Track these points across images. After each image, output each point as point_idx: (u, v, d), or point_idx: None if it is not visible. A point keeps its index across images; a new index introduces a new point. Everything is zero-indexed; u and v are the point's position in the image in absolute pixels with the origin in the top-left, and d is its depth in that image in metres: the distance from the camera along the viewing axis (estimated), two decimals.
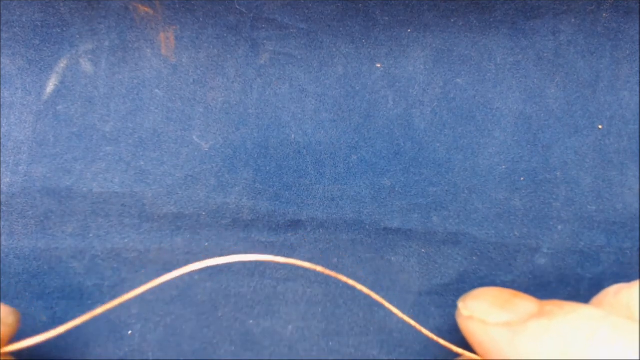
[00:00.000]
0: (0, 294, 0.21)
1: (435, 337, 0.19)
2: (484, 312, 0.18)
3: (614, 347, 0.16)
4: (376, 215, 0.23)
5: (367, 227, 0.23)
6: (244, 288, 0.22)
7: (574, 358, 0.16)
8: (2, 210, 0.22)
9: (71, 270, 0.22)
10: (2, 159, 0.22)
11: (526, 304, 0.18)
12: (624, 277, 0.23)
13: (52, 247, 0.22)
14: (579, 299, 0.22)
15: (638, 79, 0.23)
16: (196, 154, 0.23)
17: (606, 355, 0.16)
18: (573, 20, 0.24)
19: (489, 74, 0.24)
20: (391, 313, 0.22)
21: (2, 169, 0.22)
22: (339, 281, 0.22)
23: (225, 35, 0.23)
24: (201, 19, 0.23)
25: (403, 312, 0.22)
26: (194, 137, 0.23)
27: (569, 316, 0.17)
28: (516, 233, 0.23)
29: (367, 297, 0.22)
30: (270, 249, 0.22)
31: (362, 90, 0.23)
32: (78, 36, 0.23)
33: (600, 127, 0.23)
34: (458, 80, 0.23)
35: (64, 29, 0.23)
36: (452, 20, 0.23)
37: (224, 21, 0.23)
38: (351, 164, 0.23)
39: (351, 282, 0.19)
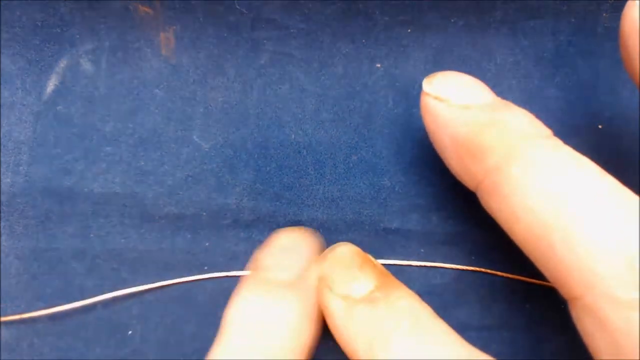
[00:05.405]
0: (0, 294, 0.21)
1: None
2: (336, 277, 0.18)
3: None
4: (376, 216, 0.23)
5: (367, 227, 0.23)
6: None
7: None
8: (2, 211, 0.22)
9: (71, 270, 0.22)
10: (2, 159, 0.22)
11: (368, 278, 0.18)
12: None
13: (52, 247, 0.22)
14: None
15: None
16: (196, 154, 0.23)
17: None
18: (573, 20, 0.24)
19: (489, 74, 0.24)
20: None
21: (2, 169, 0.22)
22: None
23: (225, 35, 0.23)
24: (201, 19, 0.23)
25: None
26: (194, 137, 0.23)
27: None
28: None
29: None
30: None
31: (362, 90, 0.23)
32: (78, 36, 0.23)
33: (600, 127, 0.23)
34: None
35: (64, 29, 0.23)
36: (452, 20, 0.23)
37: (224, 21, 0.23)
38: (351, 164, 0.23)
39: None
